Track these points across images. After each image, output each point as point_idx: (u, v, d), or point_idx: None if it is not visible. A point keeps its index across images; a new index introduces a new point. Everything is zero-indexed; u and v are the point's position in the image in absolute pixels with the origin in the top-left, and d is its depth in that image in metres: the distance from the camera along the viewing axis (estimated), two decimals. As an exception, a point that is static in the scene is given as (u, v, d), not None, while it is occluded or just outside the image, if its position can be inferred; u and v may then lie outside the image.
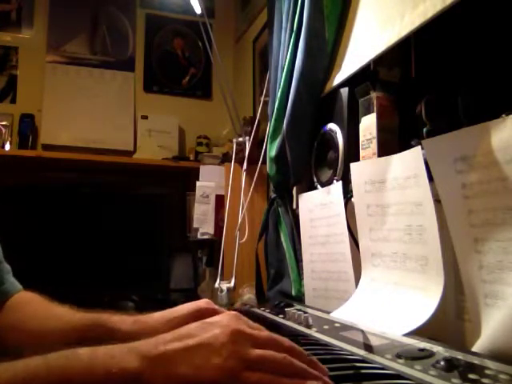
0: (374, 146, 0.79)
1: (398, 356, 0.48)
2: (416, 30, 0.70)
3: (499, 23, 0.65)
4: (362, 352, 0.51)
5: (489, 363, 0.44)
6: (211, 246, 1.87)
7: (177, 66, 2.54)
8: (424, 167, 0.63)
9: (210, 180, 1.75)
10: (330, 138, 0.95)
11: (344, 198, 0.86)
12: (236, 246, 1.31)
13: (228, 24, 2.59)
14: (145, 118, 2.39)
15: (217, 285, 1.28)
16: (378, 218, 0.74)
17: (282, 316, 0.76)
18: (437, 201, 0.62)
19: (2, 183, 1.94)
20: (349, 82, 0.91)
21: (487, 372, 0.41)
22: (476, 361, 0.45)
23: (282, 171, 1.11)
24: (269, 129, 1.17)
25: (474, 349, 0.53)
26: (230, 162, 1.55)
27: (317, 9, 0.95)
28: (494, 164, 0.53)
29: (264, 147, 1.24)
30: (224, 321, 0.41)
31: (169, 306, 0.58)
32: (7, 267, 0.74)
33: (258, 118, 1.46)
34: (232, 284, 1.26)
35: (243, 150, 1.50)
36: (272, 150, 1.12)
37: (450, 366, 0.43)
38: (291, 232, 1.09)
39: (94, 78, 2.35)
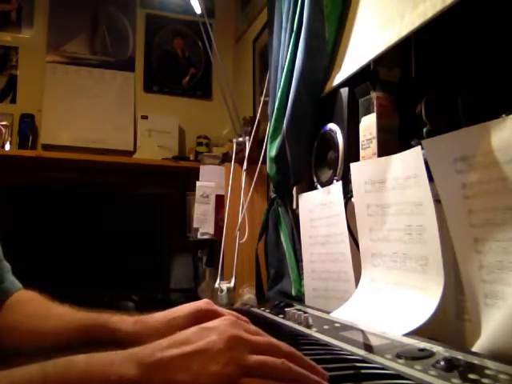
0: (374, 145, 0.79)
1: (398, 356, 0.48)
2: (416, 30, 0.70)
3: (499, 23, 0.65)
4: (362, 352, 0.51)
5: (489, 363, 0.44)
6: (211, 246, 1.87)
7: (177, 65, 2.54)
8: (424, 167, 0.63)
9: (210, 180, 1.75)
10: (330, 138, 0.95)
11: (344, 198, 0.86)
12: (236, 246, 1.31)
13: (228, 24, 2.59)
14: (145, 118, 2.39)
15: (217, 285, 1.28)
16: (378, 217, 0.74)
17: (281, 316, 0.76)
18: (437, 201, 0.62)
19: (2, 183, 1.94)
20: (349, 82, 0.91)
21: (487, 372, 0.41)
22: (476, 361, 0.45)
23: (282, 171, 1.11)
24: (269, 129, 1.17)
25: (474, 349, 0.53)
26: (230, 161, 1.55)
27: (317, 9, 0.95)
28: (494, 164, 0.53)
29: (264, 147, 1.24)
30: (222, 326, 0.40)
31: (169, 306, 0.58)
32: (7, 266, 0.74)
33: (258, 118, 1.46)
34: (232, 284, 1.26)
35: (243, 149, 1.50)
36: (272, 150, 1.12)
37: (450, 365, 0.43)
38: (291, 232, 1.09)
39: (93, 78, 2.36)
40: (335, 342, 0.57)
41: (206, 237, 1.72)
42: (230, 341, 0.38)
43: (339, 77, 0.93)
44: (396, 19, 0.75)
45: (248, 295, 1.27)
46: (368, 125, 0.81)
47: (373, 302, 0.73)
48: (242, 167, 1.47)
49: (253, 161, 1.41)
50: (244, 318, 0.52)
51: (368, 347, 0.53)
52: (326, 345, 0.56)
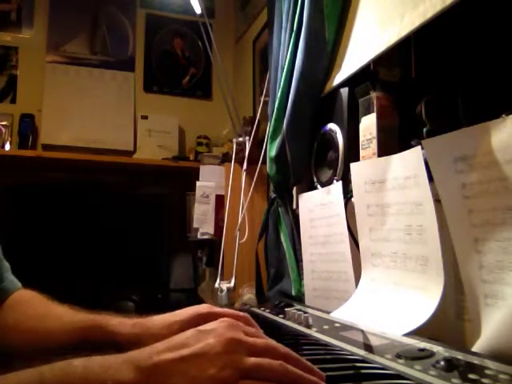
0: (374, 145, 0.79)
1: (398, 356, 0.48)
2: (416, 30, 0.70)
3: (499, 23, 0.65)
4: (362, 352, 0.51)
5: (489, 363, 0.44)
6: (211, 246, 1.87)
7: (177, 66, 2.54)
8: (424, 167, 0.63)
9: (209, 180, 1.75)
10: (329, 138, 0.95)
11: (344, 198, 0.86)
12: (236, 246, 1.31)
13: (228, 24, 2.59)
14: (145, 118, 2.39)
15: (217, 285, 1.28)
16: (378, 217, 0.74)
17: (281, 316, 0.76)
18: (437, 201, 0.62)
19: (2, 183, 1.94)
20: (349, 82, 0.91)
21: (487, 372, 0.41)
22: (476, 361, 0.45)
23: (282, 171, 1.11)
24: (269, 129, 1.17)
25: (474, 349, 0.53)
26: (230, 161, 1.55)
27: (317, 9, 0.95)
28: (494, 164, 0.53)
29: (264, 147, 1.24)
30: (219, 329, 0.40)
31: (169, 306, 0.57)
32: (6, 265, 0.74)
33: (258, 118, 1.46)
34: (232, 284, 1.26)
35: (243, 149, 1.50)
36: (272, 150, 1.12)
37: (450, 365, 0.43)
38: (291, 232, 1.09)
39: (93, 78, 2.36)
40: (335, 341, 0.57)
41: (206, 237, 1.72)
42: (227, 343, 0.38)
43: (339, 77, 0.93)
44: (396, 19, 0.75)
45: (248, 295, 1.27)
46: (368, 125, 0.81)
47: (373, 302, 0.73)
48: (242, 167, 1.47)
49: (253, 161, 1.40)
50: (246, 315, 0.52)
51: (368, 347, 0.53)
52: (326, 345, 0.56)
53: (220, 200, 1.68)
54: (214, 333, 0.39)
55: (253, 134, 1.45)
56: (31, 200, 2.05)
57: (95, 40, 2.40)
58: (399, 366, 0.45)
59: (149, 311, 0.59)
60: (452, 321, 0.62)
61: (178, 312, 0.56)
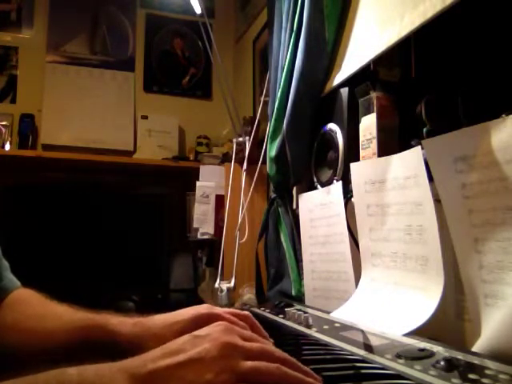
0: (374, 145, 0.79)
1: (398, 356, 0.48)
2: (416, 30, 0.70)
3: (499, 23, 0.65)
4: (362, 352, 0.51)
5: (489, 363, 0.44)
6: (211, 246, 1.87)
7: (177, 65, 2.54)
8: (424, 167, 0.63)
9: (209, 180, 1.75)
10: (329, 138, 0.95)
11: (344, 198, 0.86)
12: (236, 246, 1.31)
13: (228, 24, 2.59)
14: (145, 118, 2.39)
15: (217, 285, 1.28)
16: (378, 218, 0.74)
17: (282, 316, 0.76)
18: (437, 201, 0.62)
19: (2, 183, 1.94)
20: (349, 82, 0.91)
21: (487, 372, 0.41)
22: (476, 361, 0.45)
23: (282, 171, 1.11)
24: (269, 129, 1.17)
25: (474, 349, 0.53)
26: (230, 161, 1.55)
27: (317, 9, 0.95)
28: (494, 164, 0.53)
29: (264, 147, 1.24)
30: (214, 333, 0.40)
31: (169, 306, 0.57)
32: (5, 264, 0.73)
33: (258, 118, 1.46)
34: (232, 284, 1.26)
35: (243, 150, 1.50)
36: (272, 150, 1.12)
37: (450, 365, 0.43)
38: (291, 232, 1.09)
39: (93, 78, 2.36)
40: (335, 341, 0.57)
41: (206, 237, 1.72)
42: (223, 348, 0.38)
43: (339, 77, 0.93)
44: (396, 19, 0.75)
45: (248, 295, 1.27)
46: (368, 125, 0.81)
47: (373, 302, 0.73)
48: (242, 167, 1.47)
49: (253, 161, 1.40)
50: (247, 314, 0.52)
51: (368, 347, 0.53)
52: (326, 345, 0.56)
53: (220, 200, 1.68)
54: (210, 337, 0.39)
55: (253, 134, 1.45)
56: (31, 200, 2.05)
57: (95, 40, 2.40)
58: (399, 366, 0.45)
59: (149, 311, 0.59)
60: (452, 321, 0.62)
61: (179, 312, 0.56)
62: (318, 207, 0.96)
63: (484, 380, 0.40)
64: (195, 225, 1.74)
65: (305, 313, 0.72)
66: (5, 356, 0.61)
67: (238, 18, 2.53)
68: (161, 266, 2.18)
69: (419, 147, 0.64)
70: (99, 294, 1.74)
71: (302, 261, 1.02)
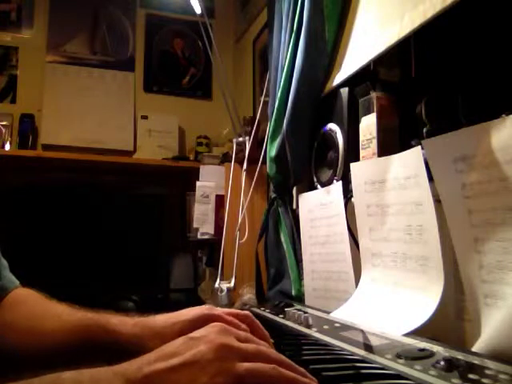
0: (373, 145, 0.79)
1: (398, 356, 0.48)
2: (416, 30, 0.70)
3: (499, 23, 0.65)
4: (362, 352, 0.51)
5: (489, 363, 0.44)
6: (211, 246, 1.87)
7: (177, 65, 2.54)
8: (424, 167, 0.63)
9: (209, 180, 1.75)
10: (329, 138, 0.95)
11: (344, 198, 0.86)
12: (236, 246, 1.31)
13: (228, 24, 2.59)
14: (145, 118, 2.39)
15: (217, 285, 1.28)
16: (378, 217, 0.74)
17: (282, 316, 0.76)
18: (437, 201, 0.62)
19: (2, 183, 1.94)
20: (349, 81, 0.91)
21: (487, 372, 0.41)
22: (476, 361, 0.45)
23: (282, 171, 1.11)
24: (269, 129, 1.17)
25: (474, 349, 0.53)
26: (230, 161, 1.55)
27: (317, 9, 0.95)
28: (494, 164, 0.53)
29: (264, 147, 1.24)
30: (209, 335, 0.40)
31: (169, 306, 0.57)
32: (4, 263, 0.73)
33: (257, 118, 1.46)
34: (232, 284, 1.26)
35: (243, 150, 1.50)
36: (272, 150, 1.12)
37: (450, 365, 0.43)
38: (291, 232, 1.09)
39: (93, 78, 2.36)
40: (335, 341, 0.57)
41: (206, 237, 1.72)
42: (219, 350, 0.38)
43: (339, 77, 0.93)
44: (396, 19, 0.75)
45: (248, 295, 1.27)
46: (368, 125, 0.81)
47: (373, 302, 0.73)
48: (241, 167, 1.47)
49: (253, 161, 1.40)
50: (247, 313, 0.52)
51: (368, 347, 0.53)
52: (326, 345, 0.56)
53: (220, 200, 1.68)
54: (205, 339, 0.39)
55: (253, 134, 1.45)
56: (31, 200, 2.05)
57: (95, 40, 2.40)
58: (399, 366, 0.45)
59: (149, 311, 0.59)
60: (452, 321, 0.62)
61: (179, 312, 0.56)
62: (318, 207, 0.96)
63: (484, 380, 0.40)
64: (195, 225, 1.74)
65: (305, 313, 0.72)
66: (4, 355, 0.61)
67: (237, 18, 2.53)
68: (161, 266, 2.18)
69: (419, 147, 0.64)
70: (99, 293, 1.74)
71: (301, 261, 1.02)
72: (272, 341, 0.53)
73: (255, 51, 2.19)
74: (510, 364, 0.43)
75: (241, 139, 1.53)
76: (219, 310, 0.54)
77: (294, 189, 1.12)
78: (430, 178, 0.62)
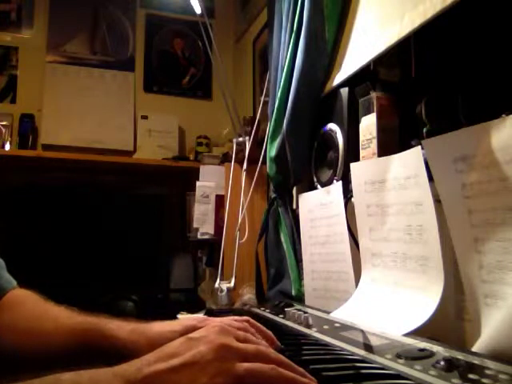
0: (373, 146, 0.79)
1: (398, 356, 0.48)
2: (416, 30, 0.70)
3: (499, 23, 0.65)
4: (362, 352, 0.51)
5: (489, 363, 0.44)
6: (211, 246, 1.87)
7: (177, 65, 2.54)
8: (424, 167, 0.63)
9: (210, 180, 1.75)
10: (329, 138, 0.95)
11: (344, 198, 0.86)
12: (236, 246, 1.31)
13: (228, 24, 2.59)
14: (145, 118, 2.39)
15: (217, 285, 1.28)
16: (378, 217, 0.74)
17: (282, 316, 0.76)
18: (437, 201, 0.62)
19: (2, 183, 1.94)
20: (349, 82, 0.91)
21: (487, 372, 0.41)
22: (476, 361, 0.45)
23: (282, 171, 1.11)
24: (269, 129, 1.17)
25: (474, 349, 0.53)
26: (230, 161, 1.55)
27: (317, 9, 0.95)
28: (494, 164, 0.53)
29: (264, 147, 1.24)
30: (209, 335, 0.40)
31: (169, 306, 0.58)
32: (1, 262, 0.72)
33: (257, 118, 1.46)
34: (232, 284, 1.26)
35: (243, 150, 1.50)
36: (272, 150, 1.12)
37: (450, 365, 0.43)
38: (291, 232, 1.09)
39: (93, 78, 2.35)
40: (335, 341, 0.57)
41: (206, 237, 1.72)
42: (218, 350, 0.38)
43: (339, 77, 0.93)
44: (396, 19, 0.75)
45: (248, 295, 1.27)
46: (368, 125, 0.81)
47: (373, 302, 0.73)
48: (241, 167, 1.47)
49: (253, 161, 1.40)
50: (246, 318, 0.52)
51: (368, 347, 0.53)
52: (326, 345, 0.56)
53: (220, 200, 1.68)
54: (204, 340, 0.39)
55: (253, 134, 1.45)
56: (31, 200, 2.05)
57: (95, 40, 2.40)
58: (399, 366, 0.45)
59: (149, 311, 0.59)
60: (452, 321, 0.62)
61: (176, 321, 0.56)
62: (318, 207, 0.96)
63: (484, 380, 0.40)
64: (195, 225, 1.73)
65: (305, 313, 0.72)
66: (2, 356, 0.61)
67: (237, 18, 2.53)
68: (161, 266, 2.18)
69: (419, 147, 0.64)
70: (99, 293, 1.74)
71: (301, 261, 1.02)
72: (279, 344, 0.53)
73: (255, 51, 2.19)
74: (509, 364, 0.43)
75: (241, 139, 1.53)
76: (216, 320, 0.54)
77: (294, 189, 1.12)
78: (430, 178, 0.62)
